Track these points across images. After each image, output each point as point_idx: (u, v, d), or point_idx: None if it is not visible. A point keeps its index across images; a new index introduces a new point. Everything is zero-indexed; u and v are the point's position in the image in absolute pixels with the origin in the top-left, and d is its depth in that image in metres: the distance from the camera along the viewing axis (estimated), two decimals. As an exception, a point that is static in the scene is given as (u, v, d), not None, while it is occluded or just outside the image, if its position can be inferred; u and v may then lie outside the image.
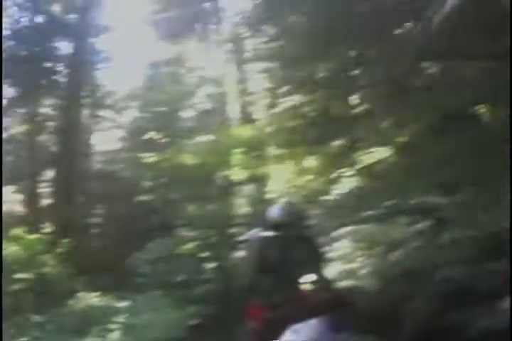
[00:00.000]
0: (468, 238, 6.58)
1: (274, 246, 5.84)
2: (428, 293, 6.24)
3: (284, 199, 12.53)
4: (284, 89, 12.38)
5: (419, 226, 7.56)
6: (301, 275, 5.84)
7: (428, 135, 9.40)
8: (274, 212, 6.09)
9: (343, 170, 12.26)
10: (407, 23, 10.59)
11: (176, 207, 14.00)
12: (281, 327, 5.39)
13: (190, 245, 12.70)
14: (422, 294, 6.33)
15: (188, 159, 14.06)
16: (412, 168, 9.32)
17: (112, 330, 8.83)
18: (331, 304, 5.68)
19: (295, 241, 5.89)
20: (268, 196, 13.43)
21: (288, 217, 6.04)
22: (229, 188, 14.35)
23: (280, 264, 5.81)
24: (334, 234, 8.41)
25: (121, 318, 9.58)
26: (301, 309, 5.53)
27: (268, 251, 5.84)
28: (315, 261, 6.07)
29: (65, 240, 12.56)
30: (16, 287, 10.76)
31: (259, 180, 14.01)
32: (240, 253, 6.23)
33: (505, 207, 6.30)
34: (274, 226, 5.96)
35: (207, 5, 15.52)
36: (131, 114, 19.44)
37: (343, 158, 12.09)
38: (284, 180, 13.56)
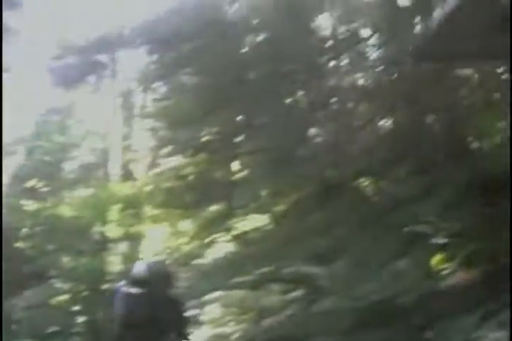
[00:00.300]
0: (344, 308, 6.50)
1: (138, 303, 5.62)
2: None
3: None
4: (167, 149, 12.27)
5: (293, 294, 7.41)
6: (165, 334, 5.70)
7: (307, 204, 9.47)
8: (138, 268, 5.86)
9: (218, 235, 12.16)
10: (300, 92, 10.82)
11: (51, 258, 13.40)
12: None
13: (62, 297, 12.10)
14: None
15: (67, 211, 13.57)
16: (289, 237, 9.31)
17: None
18: None
19: (159, 300, 5.65)
20: (142, 255, 13.05)
21: (152, 274, 5.83)
22: (104, 244, 13.88)
23: (145, 321, 5.56)
24: (206, 297, 8.17)
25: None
26: None
27: (132, 307, 5.61)
28: (179, 322, 5.87)
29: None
30: None
31: (134, 239, 13.64)
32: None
33: (384, 277, 6.33)
34: (138, 282, 5.74)
35: (103, 56, 15.18)
36: (17, 160, 18.76)
37: (219, 223, 11.99)
38: (159, 241, 13.28)
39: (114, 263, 12.82)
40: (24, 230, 14.66)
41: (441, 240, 6.28)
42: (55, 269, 13.02)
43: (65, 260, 13.12)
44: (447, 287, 5.74)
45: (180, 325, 5.82)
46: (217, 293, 8.05)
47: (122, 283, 5.92)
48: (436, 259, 6.16)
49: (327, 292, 7.04)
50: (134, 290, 5.68)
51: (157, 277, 5.80)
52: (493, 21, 3.78)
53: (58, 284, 12.38)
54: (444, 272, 5.98)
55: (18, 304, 11.95)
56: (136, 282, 5.75)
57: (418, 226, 6.80)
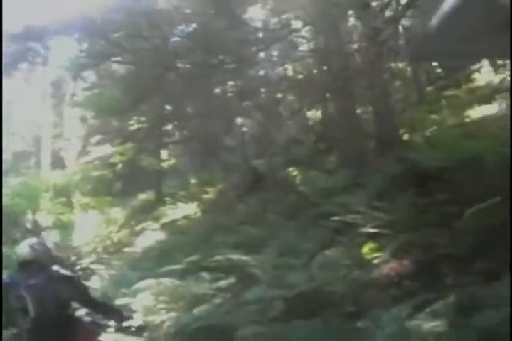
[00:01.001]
0: (273, 296, 6.27)
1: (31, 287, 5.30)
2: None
3: (87, 248, 11.94)
4: (96, 138, 11.89)
5: (223, 282, 7.14)
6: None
7: (234, 193, 9.26)
8: (23, 249, 5.52)
9: (147, 223, 11.89)
10: (230, 82, 10.56)
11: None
12: None
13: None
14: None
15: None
16: (217, 225, 9.12)
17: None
18: None
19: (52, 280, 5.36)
20: (73, 243, 12.62)
21: (38, 254, 5.50)
22: (35, 232, 13.38)
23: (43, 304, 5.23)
24: (136, 286, 7.85)
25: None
26: None
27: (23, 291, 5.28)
28: (82, 298, 5.56)
29: None
30: None
31: (65, 227, 13.18)
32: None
33: (313, 266, 6.14)
34: (24, 264, 5.41)
35: (36, 44, 14.54)
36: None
37: (148, 211, 11.70)
38: (89, 229, 12.87)
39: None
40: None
41: (371, 230, 6.15)
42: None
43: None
44: (378, 276, 5.60)
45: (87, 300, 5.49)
46: (147, 281, 7.76)
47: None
48: (366, 249, 6.02)
49: (257, 280, 6.85)
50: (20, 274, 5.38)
51: (43, 257, 5.48)
52: (493, 21, 3.65)
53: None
54: (375, 262, 5.84)
55: None
56: (22, 265, 5.42)
57: (347, 216, 6.66)
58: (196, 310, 6.64)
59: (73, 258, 11.75)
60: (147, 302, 7.51)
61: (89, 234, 12.62)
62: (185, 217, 11.27)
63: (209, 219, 10.29)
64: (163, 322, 6.93)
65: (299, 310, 5.89)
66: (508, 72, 12.87)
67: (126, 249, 11.49)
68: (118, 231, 12.49)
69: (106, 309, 5.45)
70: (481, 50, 4.48)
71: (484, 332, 4.02)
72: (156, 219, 11.81)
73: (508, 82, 12.75)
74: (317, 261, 6.44)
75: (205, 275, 7.59)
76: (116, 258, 11.28)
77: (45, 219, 13.63)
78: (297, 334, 5.45)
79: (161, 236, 11.00)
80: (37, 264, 5.31)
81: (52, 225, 13.58)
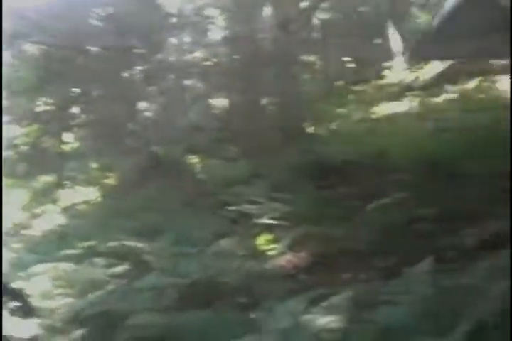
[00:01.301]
0: (166, 284, 6.29)
1: None
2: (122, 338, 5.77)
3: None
4: (6, 118, 11.58)
5: (117, 269, 7.12)
6: None
7: (134, 179, 9.22)
8: None
9: (47, 206, 11.69)
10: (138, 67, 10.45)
11: None
12: None
13: None
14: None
15: None
16: (116, 211, 9.05)
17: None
18: None
19: None
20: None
21: None
22: None
23: None
24: (33, 269, 7.73)
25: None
26: None
27: None
28: None
29: None
30: None
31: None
32: None
33: (207, 255, 6.18)
34: None
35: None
36: None
37: (48, 194, 11.50)
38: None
39: None
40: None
41: (268, 221, 6.21)
42: None
43: None
44: (273, 268, 5.67)
45: None
46: (44, 265, 7.65)
47: None
48: (261, 240, 6.08)
49: (151, 268, 6.86)
50: None
51: None
52: (494, 21, 3.74)
53: None
54: (270, 253, 5.91)
55: None
56: None
57: (244, 206, 6.72)
58: (91, 296, 6.60)
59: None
60: (43, 286, 7.41)
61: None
62: (85, 202, 11.15)
63: (108, 203, 10.21)
64: (58, 307, 6.86)
65: (192, 300, 5.90)
66: (422, 71, 13.28)
67: (25, 232, 11.30)
68: (18, 213, 12.24)
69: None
70: (481, 50, 4.61)
71: (383, 329, 4.09)
72: (56, 202, 11.64)
73: (420, 80, 13.14)
74: (212, 250, 6.44)
75: (100, 260, 7.51)
76: (15, 240, 11.06)
77: None
78: (190, 323, 5.48)
79: (60, 219, 10.85)
80: None
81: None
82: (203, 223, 7.08)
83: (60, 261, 7.75)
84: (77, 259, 7.89)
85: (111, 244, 7.44)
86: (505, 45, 4.11)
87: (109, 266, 7.27)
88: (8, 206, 12.08)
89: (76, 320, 6.55)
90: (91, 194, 11.07)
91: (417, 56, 5.67)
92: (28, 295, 6.84)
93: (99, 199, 10.83)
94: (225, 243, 6.49)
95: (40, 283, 7.42)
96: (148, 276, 6.57)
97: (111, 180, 10.54)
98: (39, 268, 7.67)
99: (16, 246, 10.21)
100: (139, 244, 7.24)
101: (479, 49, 4.72)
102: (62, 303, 6.88)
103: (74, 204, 11.22)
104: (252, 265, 5.89)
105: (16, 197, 12.43)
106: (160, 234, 7.67)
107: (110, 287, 6.81)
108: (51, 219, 11.05)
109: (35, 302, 6.90)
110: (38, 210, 11.88)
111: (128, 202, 9.01)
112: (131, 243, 7.27)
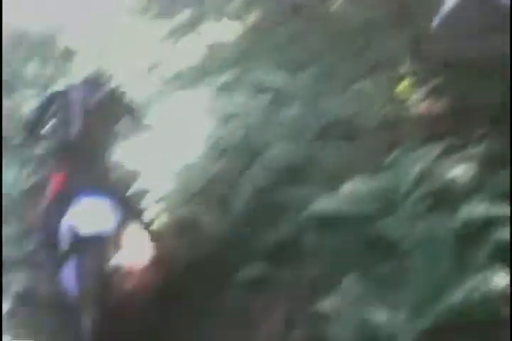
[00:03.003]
0: (307, 119, 6.45)
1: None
2: (262, 166, 6.10)
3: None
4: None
5: (259, 100, 7.30)
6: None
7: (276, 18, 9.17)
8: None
9: (188, 39, 11.83)
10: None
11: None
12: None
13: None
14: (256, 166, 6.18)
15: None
16: (258, 44, 9.07)
17: None
18: None
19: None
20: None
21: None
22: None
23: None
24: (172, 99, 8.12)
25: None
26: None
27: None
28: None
29: None
30: None
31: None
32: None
33: (349, 95, 6.23)
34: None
35: None
36: None
37: (189, 28, 11.60)
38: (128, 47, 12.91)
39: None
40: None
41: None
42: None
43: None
44: (410, 115, 5.64)
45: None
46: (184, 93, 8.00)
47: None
48: (402, 86, 5.97)
49: (292, 102, 6.98)
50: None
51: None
52: (494, 21, 3.45)
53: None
54: (409, 100, 5.85)
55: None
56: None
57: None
58: (231, 125, 6.88)
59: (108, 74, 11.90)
60: (183, 115, 7.75)
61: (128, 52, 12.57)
62: (227, 36, 11.18)
63: (250, 37, 10.19)
64: (197, 135, 7.20)
65: (330, 136, 6.10)
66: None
67: (165, 67, 11.57)
68: (157, 49, 12.48)
69: None
70: (481, 51, 4.28)
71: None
72: (197, 35, 11.75)
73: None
74: (352, 90, 6.51)
75: (242, 91, 7.73)
76: (154, 75, 11.40)
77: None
78: (327, 155, 5.69)
79: (202, 52, 10.99)
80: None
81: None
82: (346, 64, 6.98)
83: (201, 91, 8.06)
84: (218, 88, 8.11)
85: (253, 75, 7.52)
86: (505, 45, 3.78)
87: (252, 96, 7.42)
88: (148, 40, 12.38)
89: (216, 147, 6.91)
90: (232, 27, 11.07)
91: (416, 56, 5.25)
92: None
93: (241, 33, 10.82)
94: (365, 85, 6.46)
95: (181, 112, 7.75)
96: (290, 109, 6.71)
97: (253, 16, 10.46)
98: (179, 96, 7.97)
99: (155, 80, 10.58)
100: (283, 78, 7.29)
101: (479, 49, 4.32)
102: (201, 131, 7.19)
103: (215, 38, 11.28)
104: (389, 109, 5.94)
105: (155, 31, 12.61)
106: (302, 70, 7.64)
107: (251, 118, 6.99)
108: (192, 52, 11.21)
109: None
110: (177, 44, 12.06)
111: (270, 37, 8.97)
112: (274, 76, 7.33)
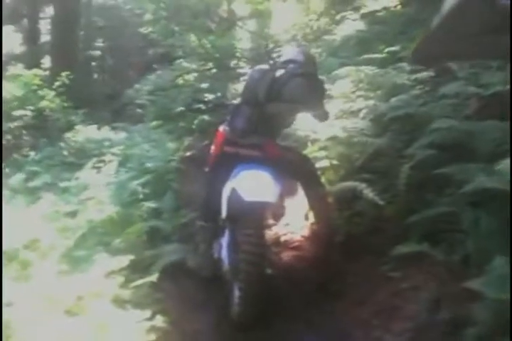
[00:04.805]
0: (469, 93, 6.48)
1: (286, 81, 5.70)
2: (424, 142, 6.19)
3: (287, 36, 12.28)
4: None
5: (421, 75, 7.38)
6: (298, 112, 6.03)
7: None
8: (293, 52, 6.01)
9: (347, 12, 11.95)
10: None
11: (177, 39, 13.60)
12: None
13: (189, 76, 12.48)
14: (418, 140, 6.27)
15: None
16: (416, 19, 9.05)
17: (108, 162, 8.78)
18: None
19: (309, 80, 5.77)
20: (271, 32, 13.07)
21: (305, 57, 5.91)
22: (231, 22, 13.92)
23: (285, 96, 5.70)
24: (335, 72, 8.27)
25: (117, 150, 9.51)
26: (262, 152, 5.69)
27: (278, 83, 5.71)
28: (320, 98, 6.06)
29: (64, 73, 12.30)
30: (14, 124, 10.65)
31: (263, 16, 13.54)
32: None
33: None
34: (289, 64, 5.86)
35: None
36: None
37: (348, 2, 11.73)
38: (288, 18, 13.20)
39: (243, 40, 12.93)
40: (147, 15, 14.78)
41: None
42: (182, 50, 13.19)
43: (192, 39, 13.28)
44: None
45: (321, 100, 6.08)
46: (347, 69, 8.11)
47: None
48: None
49: (455, 76, 7.02)
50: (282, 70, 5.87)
51: (308, 60, 5.98)
52: (494, 22, 3.36)
53: (185, 64, 12.63)
54: None
55: (142, 89, 12.32)
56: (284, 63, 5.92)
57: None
58: (394, 99, 7.01)
59: (271, 45, 12.27)
60: (346, 89, 7.97)
61: (288, 23, 12.91)
62: (385, 8, 11.21)
63: (408, 11, 10.18)
64: (360, 109, 7.41)
65: (491, 111, 6.11)
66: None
67: (325, 37, 11.78)
68: (317, 20, 12.71)
69: None
70: (481, 51, 4.06)
71: None
72: (356, 9, 11.85)
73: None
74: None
75: (404, 65, 7.83)
76: (315, 46, 11.66)
77: (241, 8, 14.02)
78: (486, 133, 5.71)
79: (360, 25, 11.12)
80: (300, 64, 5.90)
81: (249, 15, 14.01)
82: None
83: (362, 65, 8.15)
84: (379, 64, 8.20)
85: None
86: (506, 45, 3.49)
87: (413, 71, 7.56)
88: (306, 13, 12.64)
89: (377, 121, 7.07)
90: (391, 1, 11.09)
91: (417, 57, 4.85)
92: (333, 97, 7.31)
93: (400, 7, 10.82)
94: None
95: (343, 86, 7.97)
96: (451, 84, 6.75)
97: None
98: (342, 71, 8.15)
99: (316, 51, 10.82)
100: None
101: (479, 49, 3.99)
102: (364, 105, 7.35)
103: (374, 11, 11.35)
104: None
105: (312, 4, 12.85)
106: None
107: (414, 92, 7.12)
108: (351, 24, 11.36)
109: (338, 104, 7.53)
110: (337, 16, 12.23)
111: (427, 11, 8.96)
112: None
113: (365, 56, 8.61)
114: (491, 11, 3.33)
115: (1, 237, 5.57)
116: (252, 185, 5.29)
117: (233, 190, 5.38)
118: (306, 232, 6.79)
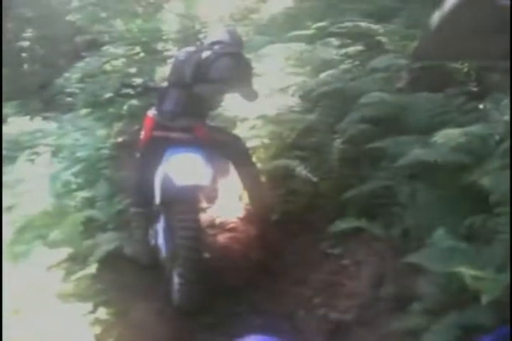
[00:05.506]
0: (400, 66, 6.50)
1: (212, 61, 5.70)
2: (355, 116, 6.20)
3: (214, 17, 12.12)
4: None
5: (350, 49, 7.36)
6: (226, 91, 5.99)
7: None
8: (219, 33, 6.06)
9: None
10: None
11: (104, 25, 13.37)
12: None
13: (117, 62, 12.25)
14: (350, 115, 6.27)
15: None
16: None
17: (40, 154, 8.61)
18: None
19: (236, 59, 5.81)
20: (197, 13, 12.86)
21: (230, 37, 5.95)
22: (158, 5, 13.71)
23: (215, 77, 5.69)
24: (263, 50, 8.20)
25: (49, 140, 9.34)
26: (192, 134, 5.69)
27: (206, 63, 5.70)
28: (248, 77, 6.04)
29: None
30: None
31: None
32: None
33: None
34: (215, 45, 5.87)
35: None
36: None
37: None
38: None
39: (170, 22, 12.72)
40: (75, 2, 14.46)
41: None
42: (109, 36, 12.95)
43: (119, 24, 13.07)
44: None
45: (249, 79, 6.04)
46: (275, 46, 8.05)
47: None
48: None
49: (384, 49, 7.02)
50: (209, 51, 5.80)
51: (235, 40, 6.03)
52: (494, 22, 3.38)
53: (112, 49, 12.43)
54: None
55: (71, 77, 12.11)
56: (212, 45, 5.84)
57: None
58: (323, 75, 6.97)
59: (198, 27, 12.08)
60: (274, 67, 7.89)
61: (214, 3, 12.70)
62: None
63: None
64: (289, 86, 7.35)
65: (422, 84, 6.15)
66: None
67: (252, 16, 11.67)
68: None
69: None
70: (481, 51, 4.13)
71: None
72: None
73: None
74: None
75: (332, 40, 7.73)
76: (242, 24, 11.53)
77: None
78: (420, 104, 5.76)
79: (288, 2, 11.04)
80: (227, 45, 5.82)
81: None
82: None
83: (291, 42, 8.01)
84: (308, 40, 8.13)
85: (344, 24, 7.54)
86: (505, 45, 3.59)
87: (342, 46, 7.51)
88: None
89: (306, 98, 7.02)
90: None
91: (417, 56, 4.98)
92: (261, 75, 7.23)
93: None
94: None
95: (271, 63, 7.87)
96: (381, 57, 6.75)
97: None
98: (269, 48, 8.06)
99: (244, 29, 10.68)
100: (373, 26, 7.30)
101: (479, 49, 4.10)
102: (293, 82, 7.29)
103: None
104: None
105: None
106: (393, 17, 7.73)
107: (343, 66, 7.08)
108: (278, 2, 11.27)
109: (266, 83, 7.45)
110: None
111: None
112: (364, 24, 7.34)
113: (294, 33, 8.51)
114: (491, 11, 3.34)
115: (1, 237, 5.52)
116: (183, 168, 5.27)
117: (165, 175, 5.36)
118: (241, 213, 6.74)
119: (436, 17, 3.54)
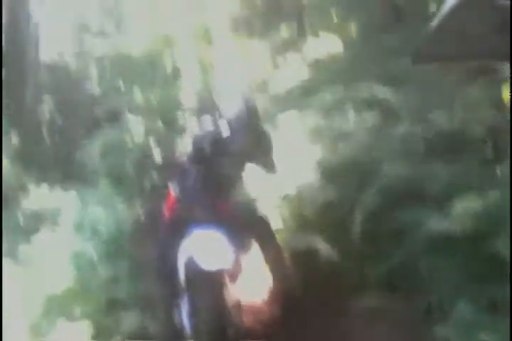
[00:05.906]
0: (416, 134, 6.55)
1: (230, 135, 5.69)
2: (374, 189, 6.20)
3: (231, 87, 12.30)
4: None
5: (366, 116, 7.44)
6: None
7: (378, 27, 9.24)
8: (236, 105, 5.94)
9: (289, 59, 12.04)
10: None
11: (122, 94, 13.58)
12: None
13: (136, 132, 12.40)
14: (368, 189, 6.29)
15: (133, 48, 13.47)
16: (361, 60, 9.17)
17: (61, 226, 8.64)
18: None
19: (254, 132, 5.75)
20: (214, 82, 13.09)
21: (248, 109, 5.84)
22: (175, 74, 13.95)
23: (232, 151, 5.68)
24: (280, 120, 8.29)
25: (69, 213, 9.38)
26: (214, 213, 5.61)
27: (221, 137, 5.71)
28: (267, 149, 6.02)
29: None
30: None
31: (206, 67, 13.59)
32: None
33: (457, 107, 6.26)
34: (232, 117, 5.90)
35: None
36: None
37: (289, 46, 11.85)
38: (230, 66, 13.23)
39: (188, 91, 12.92)
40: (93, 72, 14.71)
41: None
42: (128, 104, 13.11)
43: (138, 93, 13.26)
44: None
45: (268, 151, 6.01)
46: (292, 116, 8.12)
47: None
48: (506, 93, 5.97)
49: (399, 117, 7.08)
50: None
51: (254, 111, 5.93)
52: (493, 21, 3.51)
53: (132, 119, 12.60)
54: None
55: (91, 148, 12.22)
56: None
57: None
58: (340, 146, 7.04)
59: (215, 96, 12.25)
60: (291, 136, 7.95)
61: (231, 72, 12.88)
62: (328, 53, 11.30)
63: (353, 54, 10.25)
64: (308, 161, 7.39)
65: (438, 151, 6.18)
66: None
67: (268, 87, 11.83)
68: (259, 67, 12.76)
69: None
70: (481, 51, 4.26)
71: None
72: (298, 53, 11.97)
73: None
74: (459, 99, 6.56)
75: (348, 108, 7.85)
76: (259, 95, 11.66)
77: (183, 60, 14.06)
78: (436, 175, 5.78)
79: (303, 72, 11.18)
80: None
81: (192, 66, 14.04)
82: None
83: (308, 112, 8.23)
84: (325, 109, 8.24)
85: (359, 94, 7.62)
86: (505, 45, 3.69)
87: (358, 116, 7.61)
88: (248, 59, 12.67)
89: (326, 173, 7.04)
90: (333, 45, 11.21)
91: (417, 56, 5.12)
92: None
93: (342, 50, 10.94)
94: (470, 93, 6.52)
95: (288, 134, 7.92)
96: (398, 127, 6.79)
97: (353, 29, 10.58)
98: (287, 119, 8.17)
99: (261, 101, 10.81)
100: (389, 93, 7.37)
101: (479, 49, 4.22)
102: (312, 158, 7.39)
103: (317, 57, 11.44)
104: (496, 116, 5.96)
105: (254, 50, 12.91)
106: (405, 84, 7.75)
107: (360, 137, 7.14)
108: (293, 72, 11.41)
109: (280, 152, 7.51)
110: (279, 62, 12.31)
111: (373, 51, 9.07)
112: (380, 92, 7.42)
113: (310, 103, 8.61)
114: (491, 11, 3.38)
115: (1, 238, 5.75)
116: (207, 251, 5.28)
117: (189, 256, 5.34)
118: (265, 294, 6.72)
119: (436, 17, 3.58)
